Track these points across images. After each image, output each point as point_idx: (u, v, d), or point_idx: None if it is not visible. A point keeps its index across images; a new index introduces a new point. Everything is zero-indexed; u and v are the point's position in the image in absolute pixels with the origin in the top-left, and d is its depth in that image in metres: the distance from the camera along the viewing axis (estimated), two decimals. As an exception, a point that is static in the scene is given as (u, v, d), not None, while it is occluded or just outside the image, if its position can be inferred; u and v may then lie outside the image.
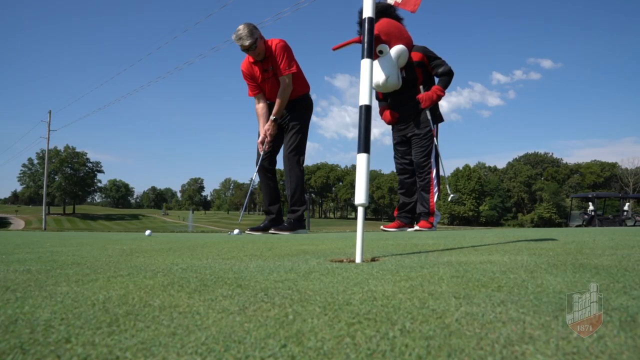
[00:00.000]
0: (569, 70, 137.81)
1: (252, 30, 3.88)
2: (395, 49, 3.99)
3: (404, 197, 4.49)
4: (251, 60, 4.08)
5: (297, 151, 4.13)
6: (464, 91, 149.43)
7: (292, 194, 4.12)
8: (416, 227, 4.21)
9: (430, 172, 4.23)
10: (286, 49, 4.03)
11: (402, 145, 4.42)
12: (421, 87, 4.23)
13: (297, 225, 4.12)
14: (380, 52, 3.96)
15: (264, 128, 4.13)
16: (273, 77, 4.08)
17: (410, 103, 4.25)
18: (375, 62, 3.97)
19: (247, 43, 3.86)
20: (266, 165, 4.24)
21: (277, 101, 4.04)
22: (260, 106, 4.23)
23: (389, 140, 4.63)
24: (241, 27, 3.91)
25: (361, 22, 4.85)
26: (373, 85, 3.95)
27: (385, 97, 4.41)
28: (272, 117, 4.09)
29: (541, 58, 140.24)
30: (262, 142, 4.16)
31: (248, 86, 4.25)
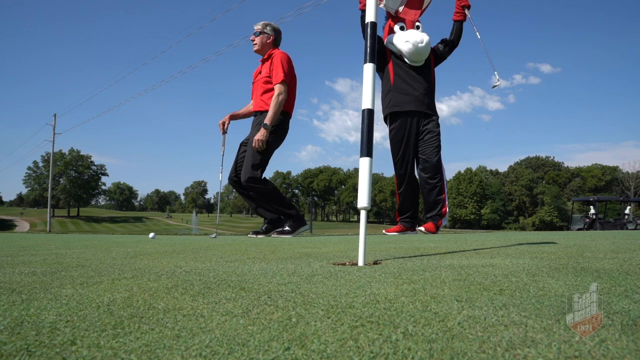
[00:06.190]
0: (568, 74, 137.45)
1: (267, 24, 4.24)
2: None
3: (407, 202, 4.37)
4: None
5: (253, 168, 3.96)
6: (464, 95, 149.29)
7: (274, 211, 4.13)
8: (421, 229, 4.12)
9: (443, 173, 4.19)
10: (286, 61, 4.05)
11: (407, 145, 4.25)
12: (435, 69, 4.44)
13: (298, 225, 4.10)
14: (418, 27, 4.34)
15: (256, 137, 3.92)
16: (259, 81, 4.16)
17: (424, 86, 4.27)
18: (412, 30, 4.31)
19: (256, 26, 4.22)
20: (238, 180, 4.14)
21: (270, 110, 3.95)
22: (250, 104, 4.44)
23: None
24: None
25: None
26: (412, 43, 4.16)
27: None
28: (263, 124, 3.92)
29: (540, 62, 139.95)
30: (225, 130, 4.42)
31: None
